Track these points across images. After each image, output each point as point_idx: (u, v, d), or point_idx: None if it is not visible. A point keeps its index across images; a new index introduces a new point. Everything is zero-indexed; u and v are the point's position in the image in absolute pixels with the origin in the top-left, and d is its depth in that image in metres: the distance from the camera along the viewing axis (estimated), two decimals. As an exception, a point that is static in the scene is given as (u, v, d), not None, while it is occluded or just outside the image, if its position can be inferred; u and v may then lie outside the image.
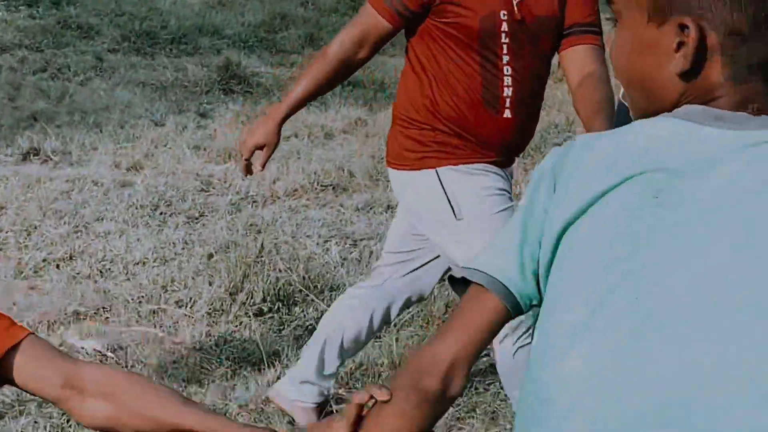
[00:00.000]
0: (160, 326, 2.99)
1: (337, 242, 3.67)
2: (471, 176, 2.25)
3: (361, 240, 3.73)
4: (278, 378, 2.65)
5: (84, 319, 3.03)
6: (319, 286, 3.20)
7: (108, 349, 2.87)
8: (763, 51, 0.90)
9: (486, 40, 2.19)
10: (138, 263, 3.40)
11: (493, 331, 0.95)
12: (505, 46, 2.21)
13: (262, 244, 3.47)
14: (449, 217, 2.20)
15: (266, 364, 2.76)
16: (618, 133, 0.93)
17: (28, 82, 6.33)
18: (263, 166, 2.42)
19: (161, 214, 3.95)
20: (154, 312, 3.06)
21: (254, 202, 4.18)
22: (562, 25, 2.26)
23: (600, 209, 0.85)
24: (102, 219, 3.85)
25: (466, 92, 2.23)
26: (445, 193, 2.25)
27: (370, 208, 4.05)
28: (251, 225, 3.83)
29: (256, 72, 6.71)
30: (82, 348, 2.90)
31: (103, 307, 3.07)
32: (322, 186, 4.39)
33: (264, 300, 3.06)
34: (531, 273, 0.92)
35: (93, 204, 3.99)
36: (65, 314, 3.01)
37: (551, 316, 0.86)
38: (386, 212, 3.93)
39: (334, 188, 4.36)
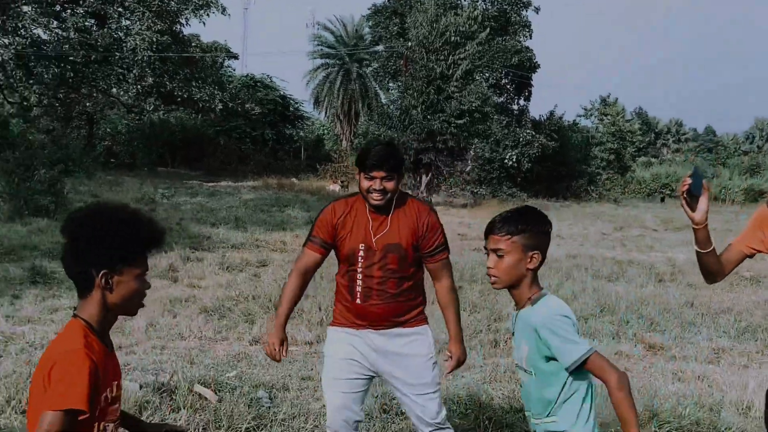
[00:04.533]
0: None
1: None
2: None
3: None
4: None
5: None
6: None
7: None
8: None
9: (349, 259, 2.80)
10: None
11: None
12: (360, 261, 2.76)
13: (30, 373, 4.81)
14: None
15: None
16: None
17: None
18: (285, 354, 2.89)
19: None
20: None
21: (34, 348, 5.69)
22: (405, 248, 2.74)
23: None
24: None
25: (340, 289, 2.89)
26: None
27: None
28: (29, 360, 5.26)
29: (53, 271, 8.38)
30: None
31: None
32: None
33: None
34: None
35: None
36: None
37: None
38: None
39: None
